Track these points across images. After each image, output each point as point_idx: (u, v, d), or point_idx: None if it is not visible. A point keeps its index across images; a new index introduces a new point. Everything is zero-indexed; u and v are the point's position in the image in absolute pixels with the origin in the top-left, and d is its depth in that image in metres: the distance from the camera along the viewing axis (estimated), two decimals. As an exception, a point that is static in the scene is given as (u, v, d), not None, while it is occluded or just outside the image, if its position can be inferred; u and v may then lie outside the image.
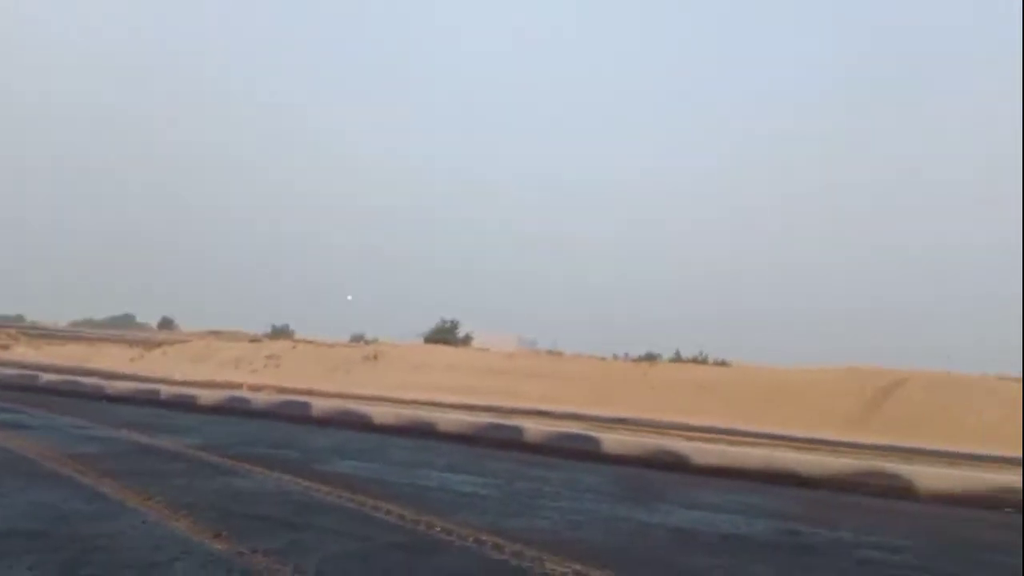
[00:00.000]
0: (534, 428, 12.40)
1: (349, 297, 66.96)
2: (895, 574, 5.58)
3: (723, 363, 46.98)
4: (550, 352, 51.67)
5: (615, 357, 51.04)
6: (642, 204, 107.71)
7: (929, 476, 9.63)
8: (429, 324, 49.21)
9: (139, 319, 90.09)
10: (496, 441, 11.83)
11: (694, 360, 48.66)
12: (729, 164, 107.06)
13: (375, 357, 36.69)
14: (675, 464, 10.48)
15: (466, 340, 49.45)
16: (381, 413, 14.10)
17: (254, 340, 46.84)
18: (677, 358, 50.00)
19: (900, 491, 9.30)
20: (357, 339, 49.75)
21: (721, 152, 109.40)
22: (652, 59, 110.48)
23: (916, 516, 8.33)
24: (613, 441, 11.46)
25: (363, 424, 13.55)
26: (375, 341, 45.36)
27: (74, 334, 61.95)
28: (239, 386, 21.70)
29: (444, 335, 47.39)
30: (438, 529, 5.86)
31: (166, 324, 78.72)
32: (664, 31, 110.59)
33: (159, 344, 48.26)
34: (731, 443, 12.60)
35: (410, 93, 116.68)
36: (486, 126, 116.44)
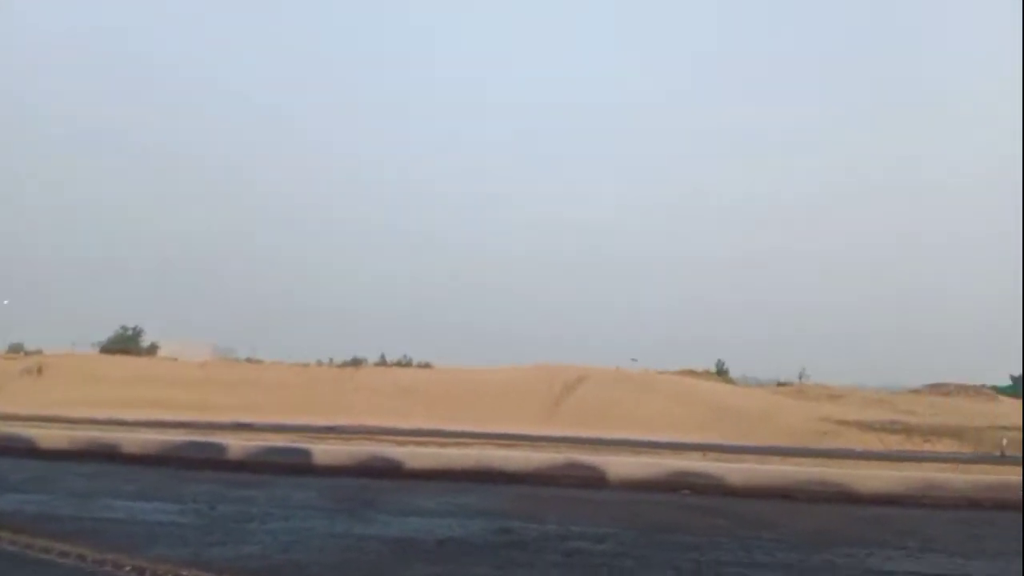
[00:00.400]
0: (237, 444, 11.51)
1: (5, 301, 57.44)
2: (600, 562, 5.94)
3: (427, 365, 48.20)
4: (249, 360, 49.10)
5: (319, 363, 49.93)
6: (332, 205, 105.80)
7: (618, 465, 10.53)
8: (107, 333, 44.27)
9: None
10: (194, 461, 10.77)
11: (399, 363, 49.29)
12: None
13: (39, 370, 32.11)
14: (389, 471, 10.33)
15: (152, 350, 45.23)
16: (48, 436, 12.20)
17: None
18: (382, 362, 50.28)
19: (595, 481, 10.03)
20: (16, 350, 42.98)
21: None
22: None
23: (610, 504, 9.03)
24: (324, 452, 11.03)
25: (25, 449, 11.60)
26: (38, 352, 39.55)
27: None
28: None
29: (125, 344, 42.89)
30: (128, 568, 5.11)
31: None
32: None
33: None
34: (441, 445, 12.78)
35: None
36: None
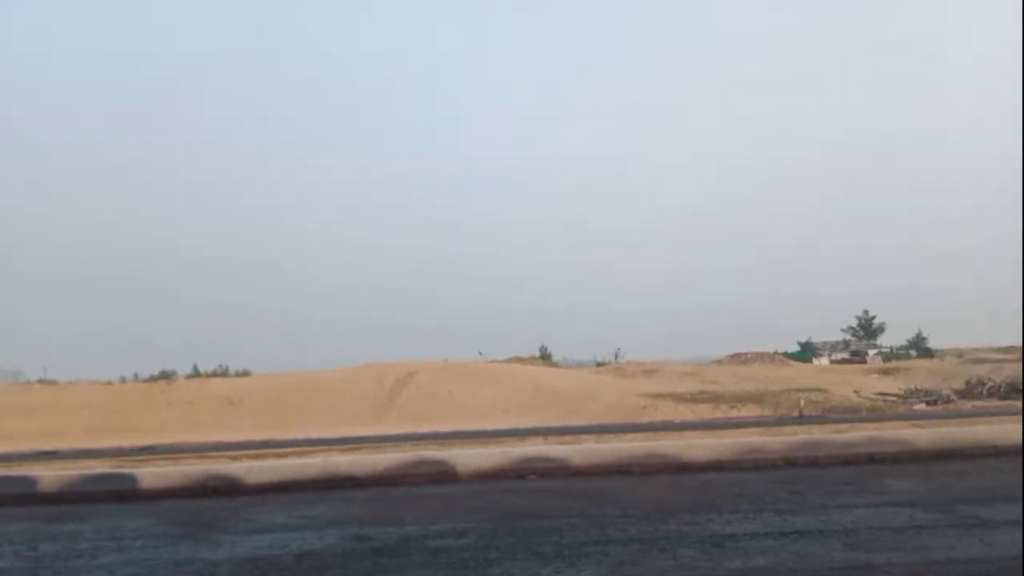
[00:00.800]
0: (48, 475, 10.46)
1: None
2: (467, 556, 5.99)
3: (245, 373, 46.13)
4: (41, 382, 44.73)
5: (123, 379, 46.40)
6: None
7: (466, 457, 10.61)
8: None
9: None
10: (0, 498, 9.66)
11: (215, 373, 46.75)
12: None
13: None
14: (228, 488, 9.79)
15: (-78, 379, 40.03)
16: None
17: None
18: (196, 373, 47.43)
19: (445, 475, 10.06)
20: None
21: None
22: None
23: (464, 497, 9.09)
24: (152, 475, 10.26)
25: None
26: None
27: None
28: None
29: None
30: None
31: None
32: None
33: None
34: (279, 456, 12.30)
35: None
36: None
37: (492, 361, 46.05)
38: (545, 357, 55.22)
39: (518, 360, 48.63)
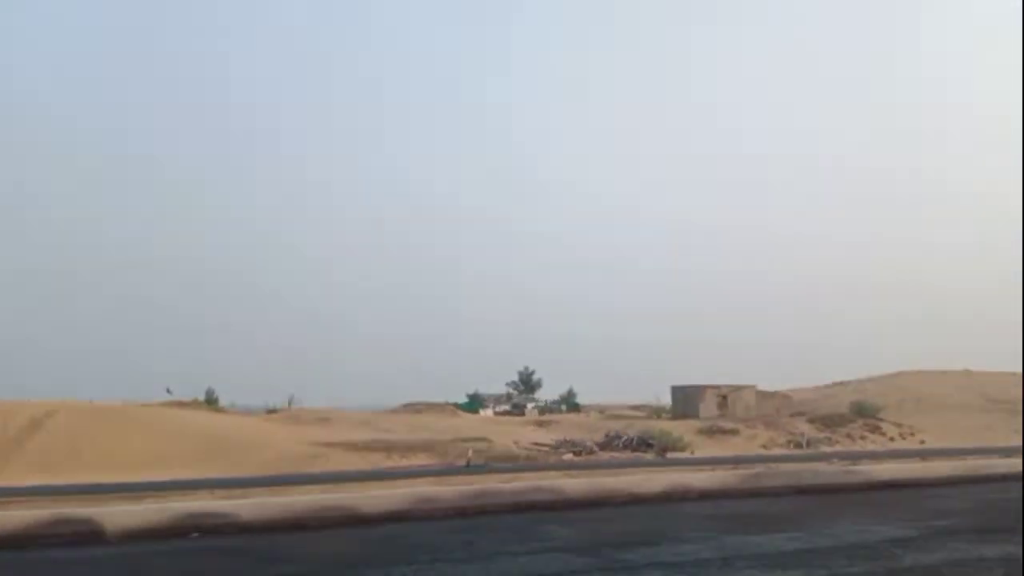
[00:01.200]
0: None
1: None
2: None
3: None
4: None
5: None
6: None
7: (116, 514, 9.47)
8: None
9: None
10: None
11: None
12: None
13: None
14: None
15: None
16: None
17: None
18: None
19: (89, 536, 8.84)
20: None
21: None
22: None
23: (111, 561, 8.05)
24: None
25: None
26: None
27: None
28: None
29: None
30: None
31: None
32: None
33: None
34: None
35: None
36: None
37: (145, 405, 41.90)
38: (211, 401, 51.61)
39: (178, 404, 44.81)
